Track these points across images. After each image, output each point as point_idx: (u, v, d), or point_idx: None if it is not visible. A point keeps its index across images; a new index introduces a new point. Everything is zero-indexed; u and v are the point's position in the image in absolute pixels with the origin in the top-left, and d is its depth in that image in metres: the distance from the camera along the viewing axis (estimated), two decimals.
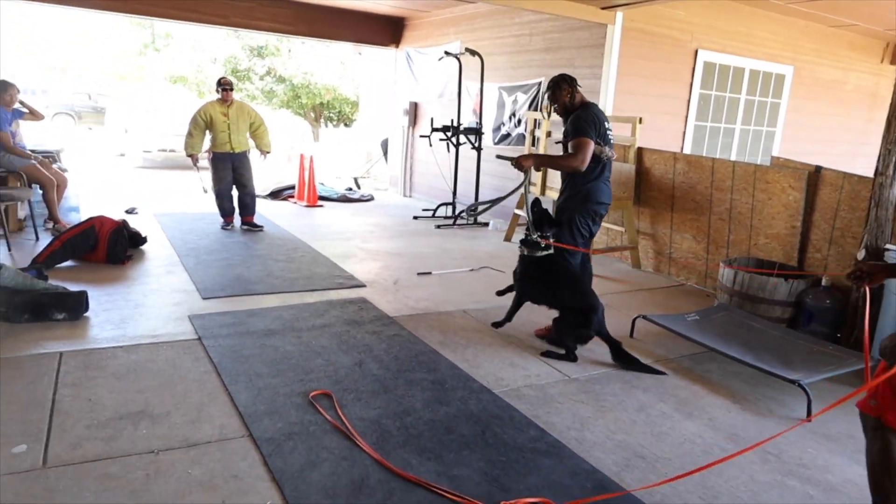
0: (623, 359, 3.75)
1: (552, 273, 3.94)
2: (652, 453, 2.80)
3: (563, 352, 3.84)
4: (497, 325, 4.25)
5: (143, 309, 4.23)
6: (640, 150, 6.07)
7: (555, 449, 2.77)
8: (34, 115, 6.35)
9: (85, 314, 3.98)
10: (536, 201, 4.11)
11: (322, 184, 10.03)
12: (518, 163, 3.97)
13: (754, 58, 7.66)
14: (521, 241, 4.09)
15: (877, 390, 2.08)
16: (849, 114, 8.97)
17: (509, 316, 4.20)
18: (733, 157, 7.79)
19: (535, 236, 3.94)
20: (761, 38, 7.61)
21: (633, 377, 3.62)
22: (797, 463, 2.81)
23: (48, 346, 3.50)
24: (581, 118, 3.87)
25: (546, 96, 4.11)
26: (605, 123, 3.95)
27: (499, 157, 4.21)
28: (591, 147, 3.81)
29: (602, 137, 3.89)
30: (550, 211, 4.17)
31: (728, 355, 3.67)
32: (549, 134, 6.71)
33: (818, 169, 4.69)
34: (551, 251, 3.97)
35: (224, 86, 6.63)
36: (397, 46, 10.36)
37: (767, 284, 4.43)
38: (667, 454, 2.80)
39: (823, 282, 4.39)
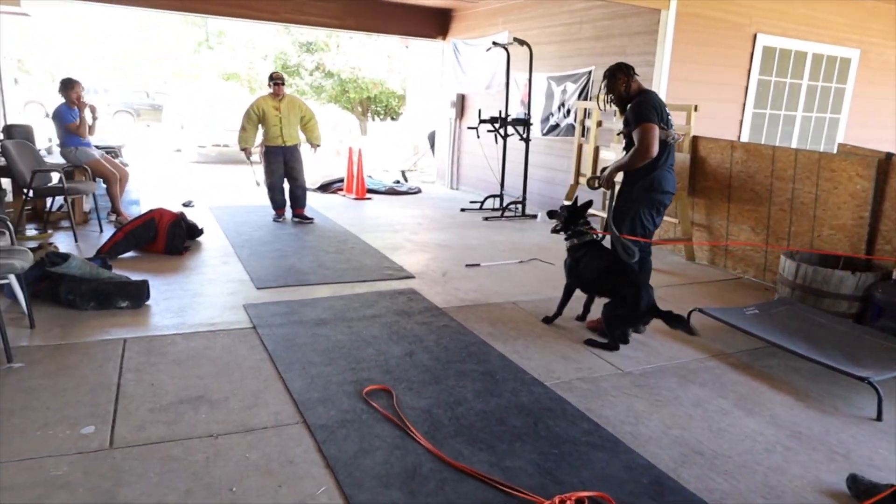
0: (679, 322, 3.61)
1: (599, 258, 3.91)
2: (710, 450, 2.71)
3: (605, 340, 3.77)
4: (548, 320, 4.20)
5: (201, 298, 4.36)
6: (695, 138, 5.88)
7: (609, 443, 2.72)
8: (79, 127, 6.15)
9: (146, 302, 4.13)
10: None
11: (370, 177, 10.12)
12: (606, 183, 3.93)
13: (817, 41, 7.30)
14: (569, 234, 4.08)
15: None
16: None
17: (559, 309, 4.16)
18: (794, 146, 7.47)
19: (575, 227, 4.02)
20: (825, 21, 7.25)
21: (688, 372, 3.52)
22: (867, 464, 2.67)
23: (113, 333, 3.64)
24: (641, 104, 3.75)
25: (602, 87, 3.99)
26: (665, 109, 3.83)
27: (589, 184, 4.12)
28: (657, 131, 3.67)
29: (666, 122, 3.77)
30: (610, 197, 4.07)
31: (791, 350, 3.52)
32: (599, 124, 6.58)
33: (889, 156, 4.44)
34: (594, 237, 3.95)
35: (276, 80, 6.76)
36: (444, 38, 10.34)
37: (833, 278, 4.23)
38: (726, 451, 2.71)
39: (894, 275, 4.17)
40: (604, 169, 4.01)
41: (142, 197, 7.47)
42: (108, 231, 5.82)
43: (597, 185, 4.05)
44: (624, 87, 3.86)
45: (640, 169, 3.80)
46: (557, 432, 2.77)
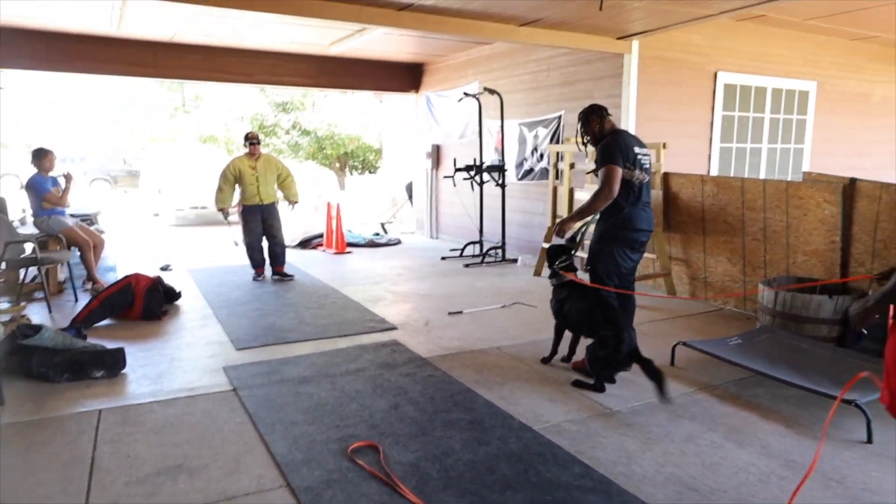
0: (656, 378, 3.45)
1: (581, 299, 3.91)
2: (705, 485, 2.66)
3: (592, 381, 3.73)
4: (545, 360, 4.20)
5: (179, 363, 4.26)
6: (666, 175, 6.00)
7: (602, 485, 2.65)
8: (62, 197, 6.15)
9: (123, 371, 4.02)
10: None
11: (349, 231, 10.14)
12: (561, 230, 4.02)
13: (775, 76, 7.59)
14: (550, 274, 4.11)
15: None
16: (878, 125, 8.78)
17: (554, 349, 4.17)
18: (762, 177, 7.65)
19: (554, 268, 4.04)
20: (780, 56, 7.56)
21: (677, 406, 3.48)
22: (862, 488, 2.64)
23: (88, 404, 3.53)
24: (607, 146, 3.85)
25: (577, 128, 4.10)
26: (636, 148, 3.90)
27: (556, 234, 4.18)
28: (618, 173, 3.76)
29: (632, 162, 3.83)
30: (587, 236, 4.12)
31: (776, 378, 3.52)
32: (572, 166, 6.70)
33: (853, 181, 4.57)
34: (574, 277, 3.98)
35: (251, 140, 6.82)
36: (417, 91, 10.58)
37: (811, 303, 4.27)
38: (721, 485, 2.66)
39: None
40: (566, 218, 4.07)
41: (118, 263, 7.39)
42: (84, 300, 5.72)
43: (556, 233, 4.09)
44: (598, 128, 3.99)
45: (611, 208, 3.87)
46: (549, 478, 2.71)
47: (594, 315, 3.79)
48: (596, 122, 3.99)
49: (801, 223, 4.91)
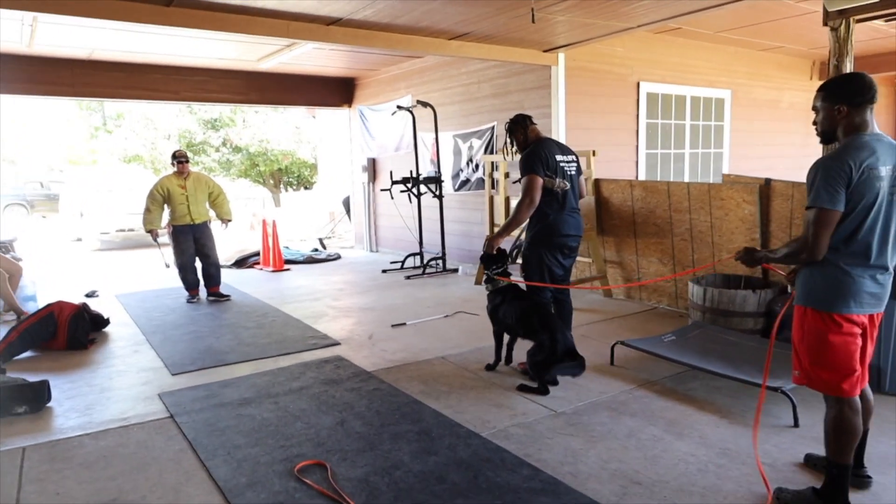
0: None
1: (514, 304, 4.00)
2: (648, 478, 2.75)
3: (535, 385, 3.80)
4: (490, 367, 4.23)
5: (110, 392, 4.05)
6: (597, 181, 6.20)
7: (550, 486, 2.70)
8: None
9: (47, 405, 3.79)
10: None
11: (287, 247, 9.95)
12: (490, 247, 4.13)
13: (693, 85, 8.00)
14: (485, 280, 4.21)
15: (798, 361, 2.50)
16: (788, 129, 9.38)
17: (497, 354, 4.21)
18: (686, 180, 8.02)
19: (488, 273, 4.13)
20: (697, 66, 7.98)
21: (618, 404, 3.59)
22: (792, 470, 2.79)
23: (9, 443, 3.30)
24: (528, 155, 3.96)
25: (505, 140, 4.22)
26: (559, 156, 3.99)
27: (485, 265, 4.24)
28: (538, 182, 3.86)
29: (553, 170, 3.92)
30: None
31: (709, 371, 3.68)
32: (507, 175, 6.83)
33: (768, 181, 4.85)
34: (507, 282, 4.10)
35: (179, 158, 6.60)
36: (350, 106, 10.54)
37: (737, 298, 4.50)
38: (663, 477, 2.76)
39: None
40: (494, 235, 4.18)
41: (38, 291, 6.96)
42: (2, 331, 5.36)
43: (486, 249, 4.15)
44: (522, 137, 4.11)
45: (537, 216, 3.98)
46: (498, 482, 2.73)
47: (530, 319, 3.87)
48: (520, 132, 4.10)
49: (724, 223, 5.17)
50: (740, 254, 2.67)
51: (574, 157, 4.12)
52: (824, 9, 4.07)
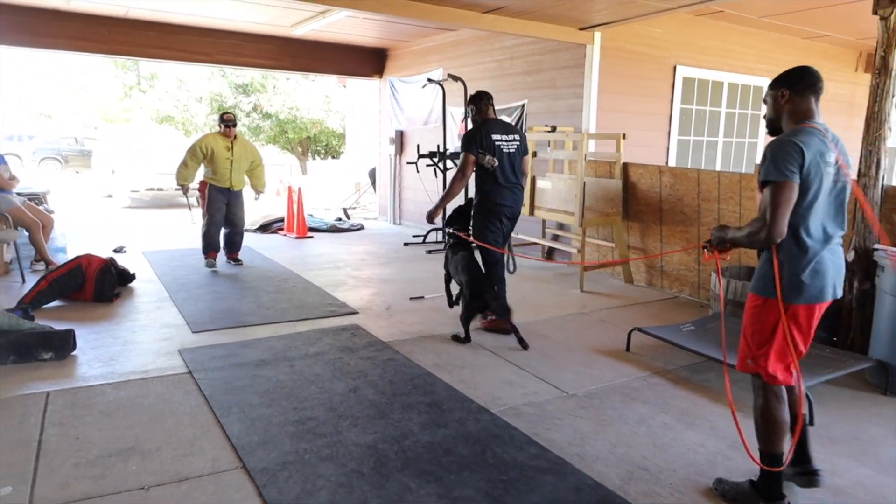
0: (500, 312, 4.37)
1: (457, 256, 4.54)
2: (655, 465, 2.75)
3: (464, 335, 4.33)
4: (451, 305, 4.79)
5: (132, 345, 4.16)
6: (625, 165, 6.11)
7: (556, 466, 2.71)
8: (8, 180, 6.06)
9: (72, 353, 3.90)
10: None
11: (311, 215, 10.02)
12: (430, 218, 4.65)
13: (732, 71, 7.79)
14: (447, 236, 4.80)
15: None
16: (829, 122, 9.01)
17: (448, 296, 4.78)
18: (718, 169, 7.86)
19: (450, 230, 4.69)
20: (737, 52, 7.76)
21: (631, 390, 3.57)
22: None
23: (35, 387, 3.42)
24: (466, 135, 4.47)
25: (466, 109, 4.77)
26: (497, 136, 4.43)
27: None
28: (470, 159, 4.39)
29: (488, 149, 4.39)
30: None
31: (725, 363, 3.63)
32: (534, 154, 6.76)
33: None
34: (466, 241, 4.63)
35: (227, 122, 6.45)
36: (381, 77, 10.48)
37: None
38: (670, 465, 2.75)
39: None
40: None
41: (69, 244, 7.13)
42: (31, 280, 5.51)
43: (428, 220, 4.68)
44: (475, 114, 4.57)
45: (478, 189, 4.53)
46: (505, 459, 2.75)
47: (459, 264, 4.46)
48: (474, 110, 4.57)
49: (753, 214, 5.05)
50: (714, 233, 2.55)
51: (516, 137, 4.54)
52: None
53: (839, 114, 9.16)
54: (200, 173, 6.62)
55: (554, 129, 6.78)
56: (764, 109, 2.47)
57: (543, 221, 7.07)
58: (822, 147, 2.26)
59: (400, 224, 10.43)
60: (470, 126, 4.64)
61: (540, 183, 6.63)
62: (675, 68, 7.25)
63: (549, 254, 7.30)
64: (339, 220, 10.42)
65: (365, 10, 5.61)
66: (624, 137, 5.97)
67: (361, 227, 9.95)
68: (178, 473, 2.58)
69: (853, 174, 2.64)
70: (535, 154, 6.76)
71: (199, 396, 3.36)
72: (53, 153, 21.68)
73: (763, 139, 8.40)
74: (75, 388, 3.43)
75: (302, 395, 3.38)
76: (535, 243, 7.10)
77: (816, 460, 2.51)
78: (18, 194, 6.39)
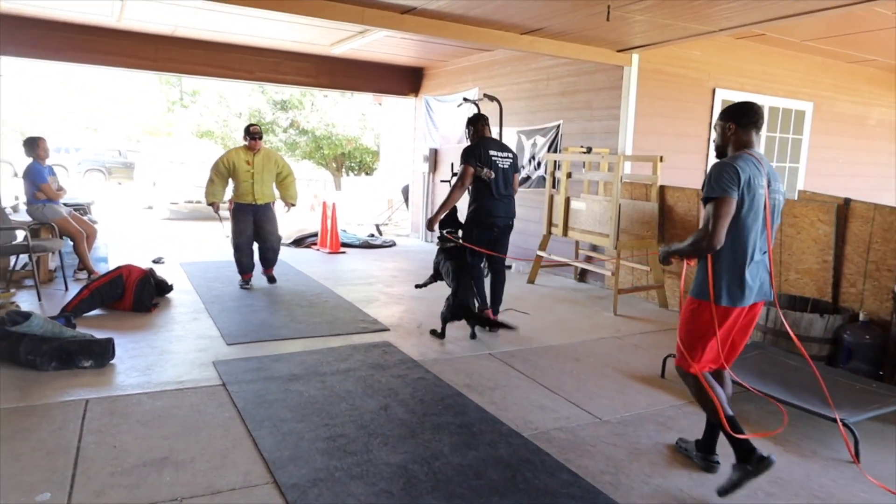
0: (489, 324, 4.78)
1: (449, 261, 4.87)
2: (692, 497, 2.67)
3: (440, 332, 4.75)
4: (419, 286, 5.31)
5: (169, 355, 4.23)
6: (662, 188, 6.03)
7: (589, 494, 2.65)
8: (57, 190, 6.21)
9: (111, 361, 3.99)
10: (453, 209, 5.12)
11: (344, 231, 10.12)
12: (430, 225, 4.99)
13: (772, 95, 7.66)
14: (438, 238, 5.09)
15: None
16: (873, 148, 8.88)
17: (425, 284, 5.26)
18: None
19: (442, 233, 4.99)
20: (778, 75, 7.63)
21: (666, 419, 3.49)
22: None
23: (74, 394, 3.50)
24: (466, 149, 4.89)
25: (467, 131, 5.11)
26: (493, 151, 4.87)
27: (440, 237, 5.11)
28: (469, 171, 4.79)
29: (485, 163, 4.81)
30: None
31: (766, 394, 3.53)
32: (569, 175, 6.73)
33: (847, 201, 4.60)
34: (457, 245, 4.95)
35: (253, 134, 6.26)
36: (416, 95, 10.60)
37: (802, 321, 4.29)
38: (708, 499, 2.67)
39: (861, 317, 4.25)
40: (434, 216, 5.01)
41: (111, 254, 7.33)
42: (74, 289, 5.68)
43: (427, 228, 5.09)
44: (473, 132, 5.03)
45: (473, 200, 4.94)
46: (536, 485, 2.71)
47: (452, 271, 4.78)
48: (472, 130, 5.03)
49: (795, 241, 4.94)
50: (661, 250, 3.00)
51: (510, 155, 5.00)
52: None
53: (883, 139, 8.93)
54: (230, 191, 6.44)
55: (590, 150, 6.75)
56: (714, 136, 2.91)
57: (577, 242, 7.01)
58: (755, 171, 2.62)
59: (432, 241, 10.45)
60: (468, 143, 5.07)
61: (574, 204, 6.59)
62: (714, 91, 7.17)
63: (582, 275, 7.22)
64: (372, 236, 10.50)
65: (404, 30, 5.69)
66: (661, 160, 5.90)
67: (393, 244, 10.01)
68: (210, 486, 2.60)
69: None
70: (569, 175, 6.73)
71: (231, 409, 3.39)
72: (98, 165, 22.43)
73: (804, 164, 8.23)
74: (113, 396, 3.50)
75: (333, 412, 3.39)
76: (567, 264, 7.04)
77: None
78: (65, 205, 6.60)
